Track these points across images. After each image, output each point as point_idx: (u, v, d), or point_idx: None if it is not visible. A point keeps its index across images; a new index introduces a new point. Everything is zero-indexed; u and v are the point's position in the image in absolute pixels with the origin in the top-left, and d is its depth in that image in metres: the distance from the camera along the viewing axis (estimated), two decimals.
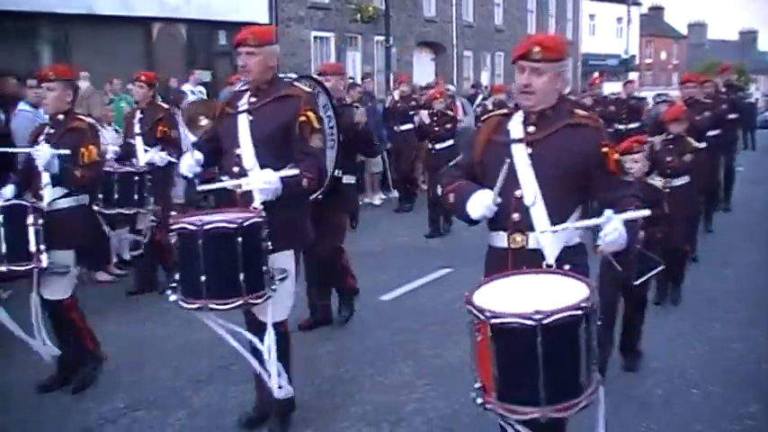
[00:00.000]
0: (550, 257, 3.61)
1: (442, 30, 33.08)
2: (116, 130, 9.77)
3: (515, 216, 3.66)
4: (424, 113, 12.48)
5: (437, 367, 6.21)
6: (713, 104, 10.96)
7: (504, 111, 3.94)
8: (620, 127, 14.26)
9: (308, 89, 5.53)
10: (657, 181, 7.81)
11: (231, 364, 6.17)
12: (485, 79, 33.56)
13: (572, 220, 3.65)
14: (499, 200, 3.60)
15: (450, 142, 12.22)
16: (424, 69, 30.90)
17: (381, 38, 26.16)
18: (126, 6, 18.94)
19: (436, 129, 12.22)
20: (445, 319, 7.29)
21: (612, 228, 3.36)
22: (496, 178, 3.55)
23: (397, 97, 15.92)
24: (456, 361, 6.28)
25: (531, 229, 3.64)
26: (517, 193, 3.65)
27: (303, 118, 4.83)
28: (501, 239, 3.74)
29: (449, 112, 12.75)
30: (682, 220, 7.79)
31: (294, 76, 6.93)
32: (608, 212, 3.41)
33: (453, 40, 33.69)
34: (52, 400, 5.74)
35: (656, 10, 64.10)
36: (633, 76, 46.67)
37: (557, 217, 3.61)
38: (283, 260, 4.84)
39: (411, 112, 14.19)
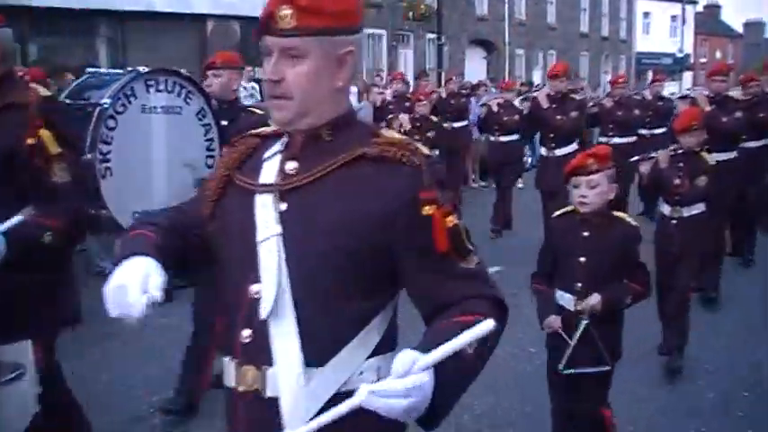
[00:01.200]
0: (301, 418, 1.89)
1: (495, 28, 32.96)
2: None
3: (245, 334, 1.99)
4: (405, 118, 10.66)
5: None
6: (748, 105, 8.96)
7: (270, 129, 2.20)
8: (644, 132, 12.08)
9: (45, 92, 3.44)
10: (665, 208, 6.51)
11: None
12: (537, 78, 33.38)
13: (355, 349, 1.97)
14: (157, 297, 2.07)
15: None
16: (475, 67, 30.82)
17: (433, 36, 26.14)
18: (181, 3, 19.15)
19: (417, 138, 9.94)
20: None
21: (392, 391, 1.62)
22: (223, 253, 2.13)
23: (443, 94, 14.61)
24: (505, 357, 6.28)
25: (271, 362, 1.96)
26: (252, 288, 1.98)
27: (31, 140, 3.12)
28: (229, 374, 2.11)
29: (433, 119, 11.04)
30: (691, 256, 6.40)
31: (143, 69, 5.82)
32: (403, 359, 1.65)
33: (505, 38, 33.57)
34: (104, 388, 5.84)
35: (712, 8, 63.15)
36: (687, 75, 46.20)
37: (310, 344, 1.93)
38: (15, 352, 3.25)
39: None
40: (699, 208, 6.35)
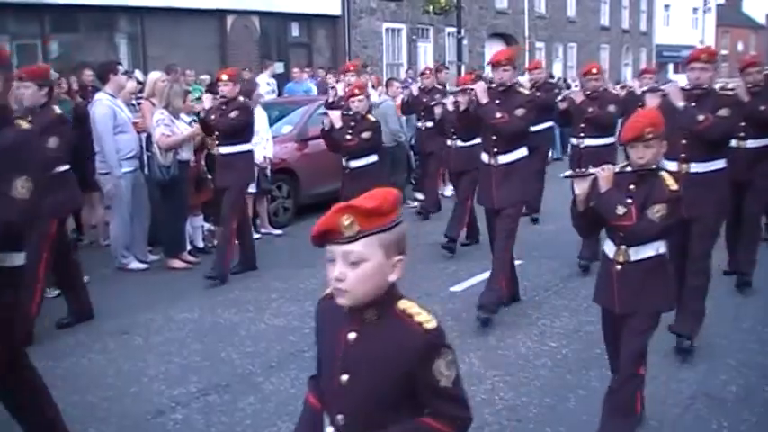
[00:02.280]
0: None
1: (514, 21, 32.85)
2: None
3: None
4: (335, 115, 8.73)
5: (506, 358, 6.19)
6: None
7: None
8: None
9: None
10: (608, 246, 4.75)
11: (303, 351, 6.26)
12: (557, 71, 33.23)
13: None
14: None
15: (372, 159, 8.80)
16: None
17: (453, 29, 26.08)
18: None
19: (348, 138, 8.61)
20: (515, 310, 7.26)
21: None
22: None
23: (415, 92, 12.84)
24: (525, 352, 6.27)
25: None
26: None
27: None
28: None
29: (370, 117, 8.81)
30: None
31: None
32: None
33: (525, 32, 33.43)
34: (125, 383, 5.88)
35: (734, 0, 62.71)
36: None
37: None
38: None
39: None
40: (651, 250, 4.59)
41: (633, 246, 4.57)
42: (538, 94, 9.95)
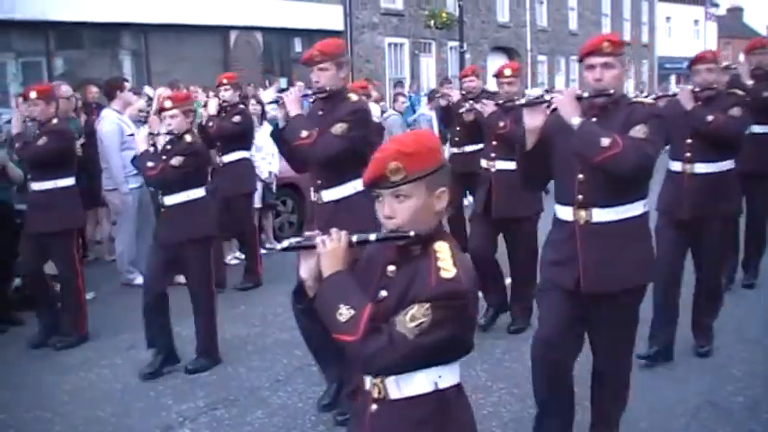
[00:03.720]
0: None
1: (516, 35, 32.94)
2: None
3: None
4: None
5: (512, 371, 6.19)
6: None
7: None
8: None
9: None
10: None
11: (310, 365, 6.25)
12: (560, 84, 33.30)
13: None
14: None
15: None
16: None
17: (455, 43, 26.17)
18: (204, 15, 19.28)
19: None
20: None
21: None
22: None
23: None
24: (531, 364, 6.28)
25: None
26: None
27: None
28: None
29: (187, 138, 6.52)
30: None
31: None
32: None
33: (527, 45, 33.51)
34: (133, 398, 5.90)
35: (735, 11, 62.79)
36: None
37: None
38: None
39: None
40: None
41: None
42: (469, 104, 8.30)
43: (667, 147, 5.92)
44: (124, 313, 7.80)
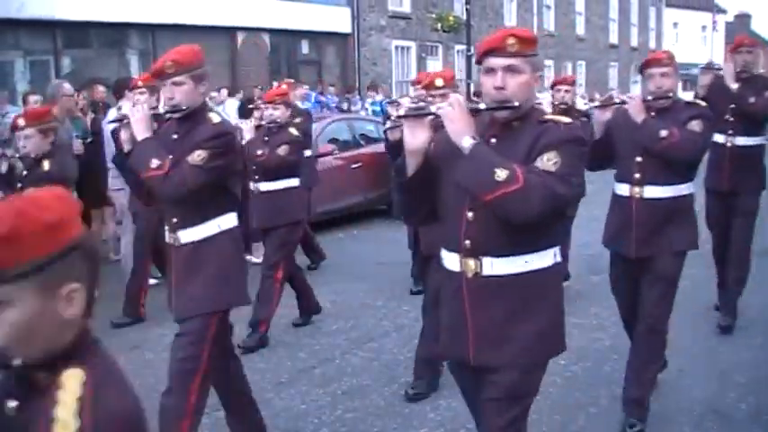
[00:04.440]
0: None
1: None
2: None
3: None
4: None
5: None
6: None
7: None
8: None
9: None
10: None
11: (313, 367, 6.28)
12: None
13: None
14: None
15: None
16: None
17: (462, 47, 26.17)
18: (211, 15, 19.30)
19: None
20: None
21: None
22: None
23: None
24: None
25: None
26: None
27: None
28: None
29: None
30: None
31: None
32: None
33: None
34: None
35: (743, 17, 62.69)
36: None
37: None
38: None
39: None
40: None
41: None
42: None
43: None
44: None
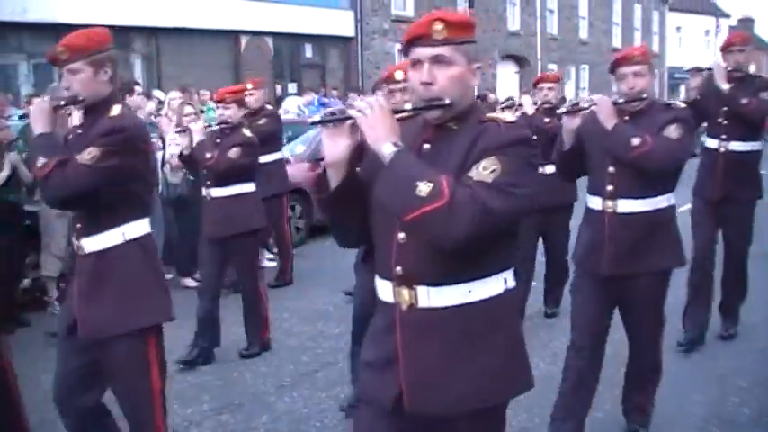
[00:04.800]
0: None
1: (527, 43, 32.95)
2: None
3: None
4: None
5: None
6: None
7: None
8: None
9: None
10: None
11: (315, 371, 6.28)
12: (569, 92, 33.26)
13: None
14: None
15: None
16: (507, 82, 30.82)
17: None
18: (215, 19, 19.33)
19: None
20: (528, 332, 7.21)
21: None
22: None
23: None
24: (538, 374, 6.21)
25: None
26: None
27: None
28: None
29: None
30: None
31: None
32: None
33: (537, 54, 33.52)
34: None
35: (746, 21, 62.63)
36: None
37: None
38: None
39: None
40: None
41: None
42: None
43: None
44: None
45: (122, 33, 17.99)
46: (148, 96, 11.07)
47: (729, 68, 6.38)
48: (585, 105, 4.68)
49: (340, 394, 5.86)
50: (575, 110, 4.62)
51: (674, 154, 4.42)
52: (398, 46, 25.40)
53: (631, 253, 4.52)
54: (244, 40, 20.82)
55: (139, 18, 17.66)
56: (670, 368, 5.45)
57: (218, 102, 6.93)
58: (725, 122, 6.41)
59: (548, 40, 34.48)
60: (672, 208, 4.65)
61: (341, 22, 23.31)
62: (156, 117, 10.03)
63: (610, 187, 4.52)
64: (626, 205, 4.51)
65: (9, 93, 13.23)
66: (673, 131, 4.42)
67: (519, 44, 32.49)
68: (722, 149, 6.47)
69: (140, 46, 18.95)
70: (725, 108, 6.37)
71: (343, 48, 24.12)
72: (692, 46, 47.86)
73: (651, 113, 4.51)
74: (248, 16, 20.31)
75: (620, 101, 4.52)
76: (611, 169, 4.50)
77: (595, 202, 4.64)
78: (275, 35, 21.58)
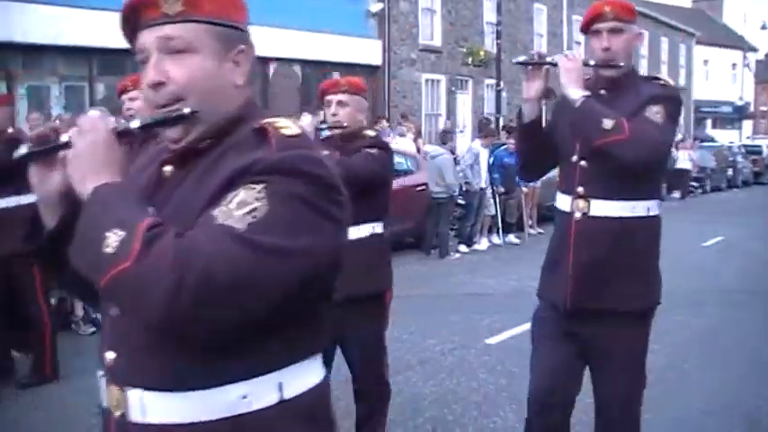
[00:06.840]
0: None
1: (553, 74, 32.91)
2: None
3: None
4: None
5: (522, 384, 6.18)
6: None
7: None
8: None
9: None
10: None
11: (338, 399, 6.28)
12: None
13: None
14: None
15: None
16: None
17: (492, 81, 26.30)
18: None
19: None
20: None
21: None
22: None
23: None
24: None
25: None
26: None
27: None
28: None
29: None
30: None
31: None
32: None
33: None
34: None
35: None
36: (747, 124, 45.54)
37: None
38: None
39: None
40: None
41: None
42: None
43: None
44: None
45: None
46: None
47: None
48: (548, 59, 3.81)
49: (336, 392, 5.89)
50: (538, 62, 3.75)
51: (654, 143, 3.41)
52: (426, 75, 25.61)
53: (599, 280, 3.50)
54: (272, 67, 21.01)
55: None
56: (692, 406, 5.43)
57: None
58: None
59: None
60: (656, 220, 3.62)
61: (368, 51, 23.47)
62: None
63: (580, 188, 3.56)
64: (601, 207, 3.52)
65: (40, 113, 13.44)
66: (656, 113, 3.43)
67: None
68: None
69: None
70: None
71: (371, 76, 24.26)
72: (720, 79, 47.79)
73: (629, 87, 3.63)
74: (277, 43, 20.47)
75: (591, 62, 3.65)
76: (582, 163, 3.58)
77: (564, 202, 3.68)
78: (303, 62, 21.76)
